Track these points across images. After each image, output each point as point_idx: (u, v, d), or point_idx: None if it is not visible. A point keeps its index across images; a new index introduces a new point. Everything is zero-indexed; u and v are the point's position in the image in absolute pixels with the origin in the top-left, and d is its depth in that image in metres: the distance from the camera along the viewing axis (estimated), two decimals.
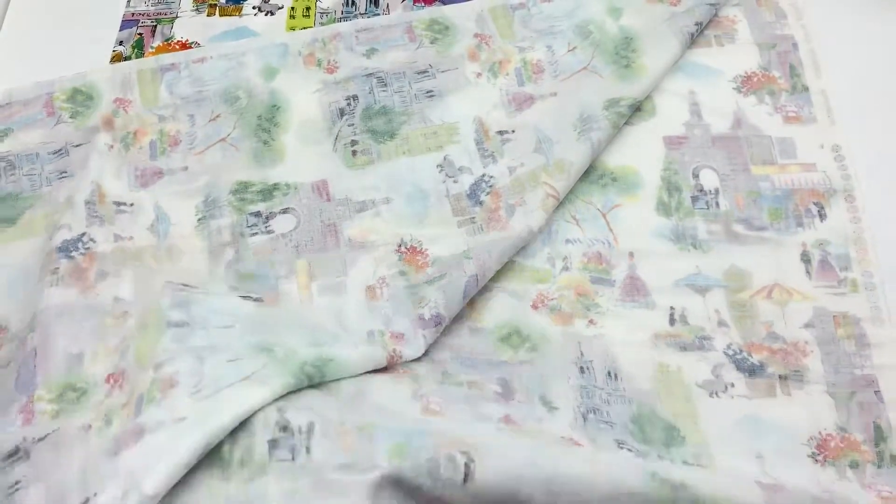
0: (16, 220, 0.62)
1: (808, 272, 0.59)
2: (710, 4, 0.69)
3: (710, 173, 0.63)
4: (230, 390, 0.48)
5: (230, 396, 0.47)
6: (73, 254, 0.58)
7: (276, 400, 0.48)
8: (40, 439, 0.50)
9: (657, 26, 0.69)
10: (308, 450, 0.46)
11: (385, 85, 0.68)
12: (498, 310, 0.59)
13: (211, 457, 0.46)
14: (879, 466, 0.52)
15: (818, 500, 0.48)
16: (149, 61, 0.70)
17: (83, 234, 0.59)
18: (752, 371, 0.55)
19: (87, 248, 0.59)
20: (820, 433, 0.53)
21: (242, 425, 0.47)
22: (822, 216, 0.61)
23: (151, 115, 0.67)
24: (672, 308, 0.58)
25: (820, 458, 0.52)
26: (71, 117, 0.67)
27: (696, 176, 0.63)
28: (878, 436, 0.53)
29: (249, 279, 0.59)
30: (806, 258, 0.59)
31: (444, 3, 0.73)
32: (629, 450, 0.51)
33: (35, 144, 0.66)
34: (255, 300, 0.57)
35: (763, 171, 0.63)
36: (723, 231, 0.61)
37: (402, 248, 0.60)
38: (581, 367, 0.56)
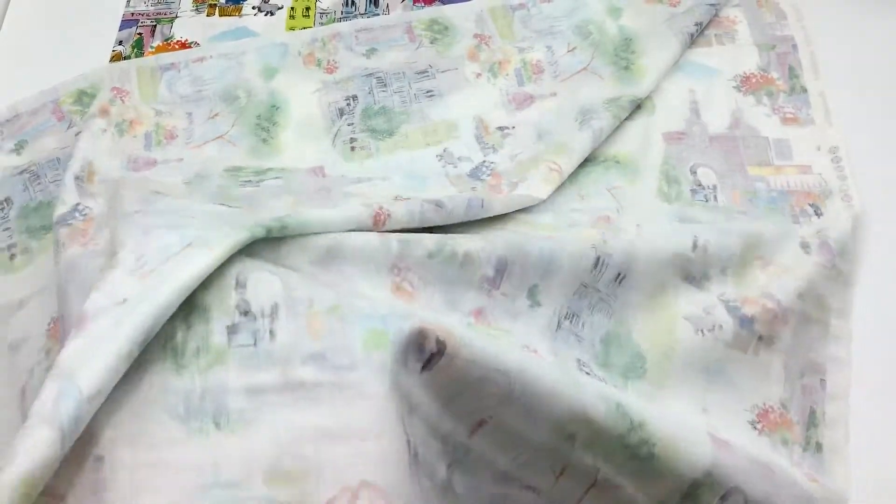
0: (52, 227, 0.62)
1: (807, 253, 0.58)
2: (711, 5, 0.69)
3: (707, 171, 0.63)
4: (175, 260, 0.43)
5: (173, 268, 0.42)
6: (71, 221, 0.56)
7: (237, 287, 0.43)
8: None
9: (657, 27, 0.69)
10: (272, 333, 0.43)
11: (385, 85, 0.68)
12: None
13: (162, 347, 0.42)
14: (805, 450, 0.52)
15: (756, 463, 0.47)
16: (148, 60, 0.70)
17: (77, 204, 0.57)
18: (742, 322, 0.54)
19: (85, 215, 0.56)
20: (764, 404, 0.53)
21: (197, 311, 0.43)
22: (818, 214, 0.61)
23: (148, 108, 0.67)
24: (696, 237, 0.56)
25: (759, 426, 0.53)
26: (83, 119, 0.67)
27: (693, 172, 0.63)
28: (811, 421, 0.54)
29: (232, 200, 0.56)
30: (805, 245, 0.58)
31: (444, 3, 0.73)
32: (587, 373, 0.50)
33: (52, 150, 0.65)
34: (235, 208, 0.54)
35: (758, 172, 0.63)
36: (724, 219, 0.60)
37: (400, 199, 0.59)
38: (599, 257, 0.53)
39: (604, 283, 0.54)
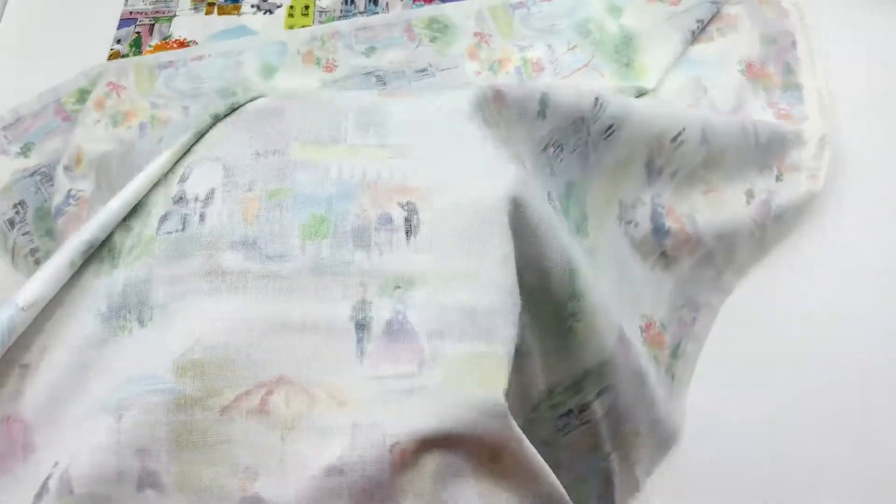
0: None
1: (748, 203, 0.60)
2: (712, 2, 0.69)
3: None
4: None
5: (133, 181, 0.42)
6: (66, 209, 0.56)
7: (180, 181, 0.42)
8: None
9: (658, 25, 0.69)
10: (202, 217, 0.40)
11: (384, 83, 0.68)
12: None
13: (101, 251, 0.41)
14: (665, 375, 0.53)
15: (636, 372, 0.48)
16: (147, 59, 0.70)
17: (69, 190, 0.57)
18: (656, 230, 0.54)
19: (77, 199, 0.56)
20: (651, 317, 0.55)
21: (139, 210, 0.42)
22: (779, 180, 0.62)
23: (144, 101, 0.66)
24: (683, 129, 0.56)
25: (644, 336, 0.54)
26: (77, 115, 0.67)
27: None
28: (674, 352, 0.56)
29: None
30: (749, 194, 0.60)
31: (444, 2, 0.73)
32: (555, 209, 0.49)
33: (59, 151, 0.64)
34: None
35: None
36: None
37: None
38: (597, 98, 0.52)
39: (596, 128, 0.52)
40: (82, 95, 0.67)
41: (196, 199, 0.41)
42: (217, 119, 0.45)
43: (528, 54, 0.69)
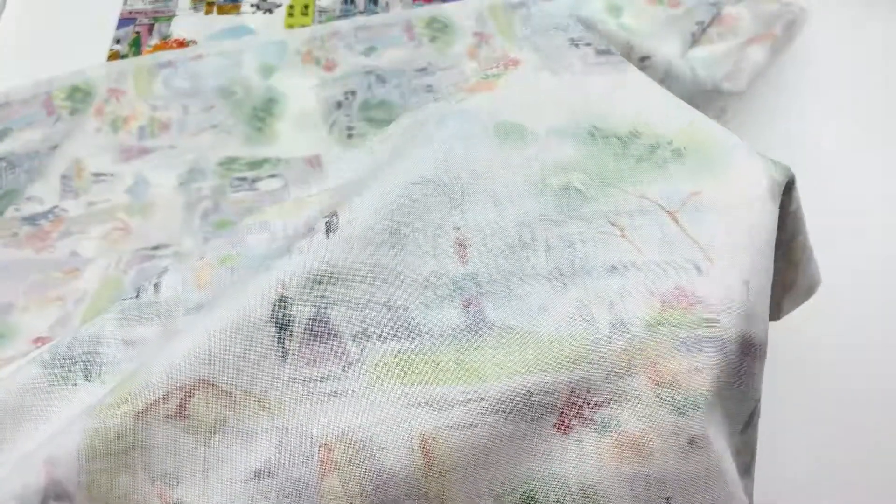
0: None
1: None
2: (712, 4, 0.69)
3: None
4: None
5: None
6: (40, 222, 0.55)
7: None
8: None
9: (658, 27, 0.69)
10: (157, 287, 0.40)
11: (383, 82, 0.67)
12: None
13: None
14: None
15: None
16: (146, 59, 0.69)
17: (54, 207, 0.57)
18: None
19: (57, 216, 0.56)
20: None
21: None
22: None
23: (144, 104, 0.66)
24: None
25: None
26: (71, 115, 0.66)
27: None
28: None
29: (226, 227, 0.55)
30: None
31: (444, 1, 0.73)
32: None
33: (34, 142, 0.64)
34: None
35: None
36: None
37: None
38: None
39: None
40: (73, 93, 0.67)
41: (152, 274, 0.42)
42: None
43: None
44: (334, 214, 0.40)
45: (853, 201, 0.61)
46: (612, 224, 0.39)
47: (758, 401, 0.39)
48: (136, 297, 0.40)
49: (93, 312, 0.47)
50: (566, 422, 0.36)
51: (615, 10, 0.71)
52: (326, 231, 0.39)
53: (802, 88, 0.70)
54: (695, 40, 0.68)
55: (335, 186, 0.45)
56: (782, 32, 0.66)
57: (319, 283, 0.38)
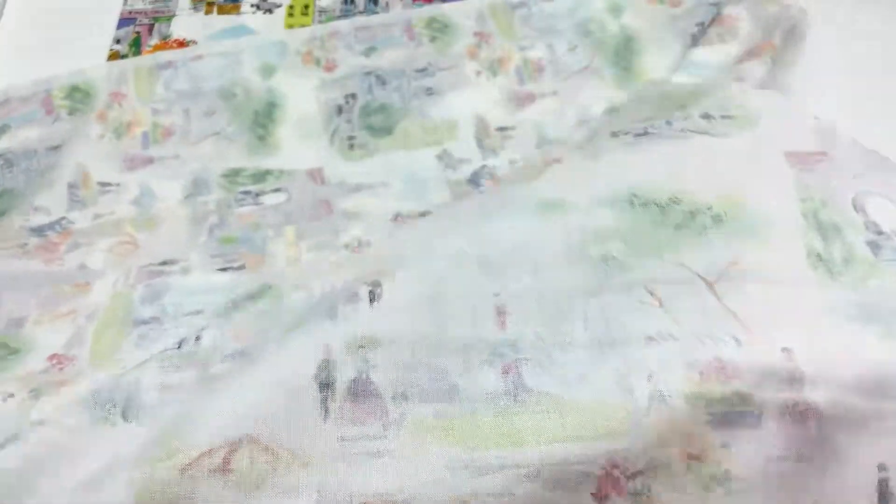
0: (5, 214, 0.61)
1: None
2: (712, 4, 0.69)
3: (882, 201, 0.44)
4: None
5: None
6: (48, 233, 0.56)
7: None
8: None
9: (658, 27, 0.69)
10: (197, 339, 0.43)
11: (384, 83, 0.67)
12: None
13: None
14: None
15: None
16: (146, 59, 0.70)
17: (62, 219, 0.58)
18: None
19: (65, 228, 0.57)
20: None
21: None
22: None
23: (146, 108, 0.66)
24: None
25: None
26: (69, 114, 0.66)
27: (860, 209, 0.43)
28: None
29: (232, 243, 0.56)
30: None
31: (444, 1, 0.73)
32: None
33: (32, 141, 0.65)
34: (237, 268, 0.53)
35: None
36: None
37: (399, 219, 0.57)
38: None
39: None
40: (73, 92, 0.68)
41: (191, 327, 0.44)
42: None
43: (529, 54, 0.69)
44: (378, 284, 0.42)
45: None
46: (651, 293, 0.39)
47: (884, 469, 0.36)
48: (178, 348, 0.42)
49: (103, 327, 0.48)
50: (603, 491, 0.37)
51: (615, 10, 0.71)
52: (370, 300, 0.42)
53: (801, 88, 0.70)
54: (695, 41, 0.68)
55: (375, 253, 0.47)
56: (782, 41, 0.66)
57: (362, 346, 0.40)
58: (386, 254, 0.45)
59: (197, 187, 0.61)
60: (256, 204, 0.59)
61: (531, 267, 0.41)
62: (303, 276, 0.46)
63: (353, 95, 0.67)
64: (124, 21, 0.73)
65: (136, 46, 0.71)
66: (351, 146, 0.64)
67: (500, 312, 0.41)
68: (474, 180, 0.61)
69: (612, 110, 0.63)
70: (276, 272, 0.48)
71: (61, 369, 0.46)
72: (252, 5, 0.74)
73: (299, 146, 0.64)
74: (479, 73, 0.68)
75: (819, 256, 0.40)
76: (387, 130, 0.65)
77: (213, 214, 0.58)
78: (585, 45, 0.69)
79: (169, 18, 0.73)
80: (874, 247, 0.40)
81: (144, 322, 0.48)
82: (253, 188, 0.60)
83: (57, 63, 0.69)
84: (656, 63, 0.66)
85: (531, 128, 0.64)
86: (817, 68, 0.66)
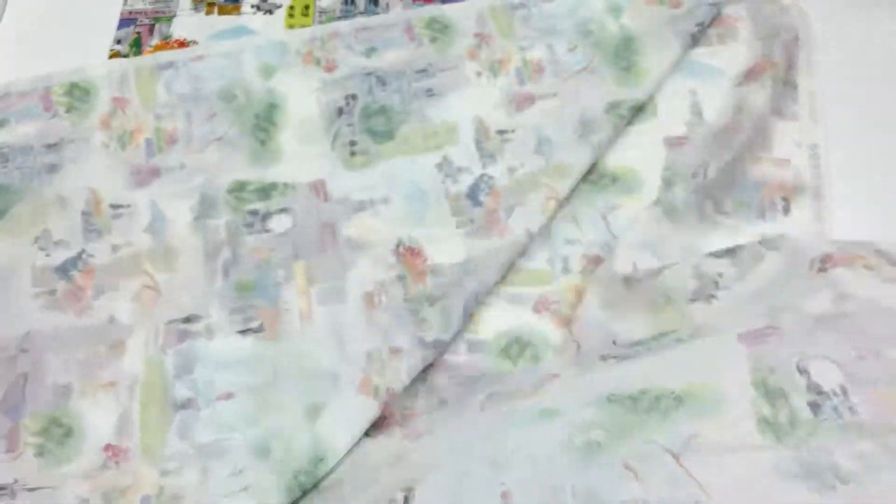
0: (3, 215, 0.62)
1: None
2: (712, 4, 0.69)
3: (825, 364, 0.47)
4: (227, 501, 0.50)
5: None
6: (72, 272, 0.59)
7: None
8: (30, 489, 0.51)
9: (658, 28, 0.69)
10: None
11: (384, 84, 0.68)
12: (498, 318, 0.58)
13: None
14: None
15: None
16: (147, 59, 0.70)
17: (81, 252, 0.60)
18: None
19: (87, 264, 0.60)
20: None
21: None
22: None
23: (148, 114, 0.67)
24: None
25: None
26: (67, 111, 0.67)
27: (803, 371, 0.46)
28: None
29: (250, 291, 0.59)
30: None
31: (444, 2, 0.73)
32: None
33: (29, 137, 0.65)
34: (255, 331, 0.57)
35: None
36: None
37: (401, 249, 0.60)
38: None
39: None
40: (72, 89, 0.68)
41: None
42: (303, 490, 0.52)
43: (529, 54, 0.69)
44: (411, 490, 0.47)
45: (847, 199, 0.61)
46: (627, 468, 0.43)
47: None
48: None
49: (145, 410, 0.54)
50: None
51: (615, 11, 0.71)
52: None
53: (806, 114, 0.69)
54: (695, 40, 0.68)
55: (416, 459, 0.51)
56: (782, 57, 0.66)
57: None
58: (420, 461, 0.50)
59: (204, 207, 0.62)
60: (265, 230, 0.61)
61: (531, 459, 0.46)
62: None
63: (354, 96, 0.67)
64: (125, 21, 0.73)
65: (137, 47, 0.72)
66: (352, 153, 0.64)
67: (505, 497, 0.45)
68: (473, 195, 0.62)
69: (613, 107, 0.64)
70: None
71: (117, 463, 0.52)
72: (252, 6, 0.74)
73: (301, 151, 0.65)
74: (479, 73, 0.68)
75: (767, 421, 0.44)
76: (388, 135, 0.65)
77: (226, 246, 0.60)
78: (585, 45, 0.69)
79: (169, 19, 0.73)
80: (814, 407, 0.44)
81: (182, 407, 0.54)
82: (260, 206, 0.62)
83: (58, 63, 0.69)
84: (656, 63, 0.66)
85: (530, 131, 0.64)
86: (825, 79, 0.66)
